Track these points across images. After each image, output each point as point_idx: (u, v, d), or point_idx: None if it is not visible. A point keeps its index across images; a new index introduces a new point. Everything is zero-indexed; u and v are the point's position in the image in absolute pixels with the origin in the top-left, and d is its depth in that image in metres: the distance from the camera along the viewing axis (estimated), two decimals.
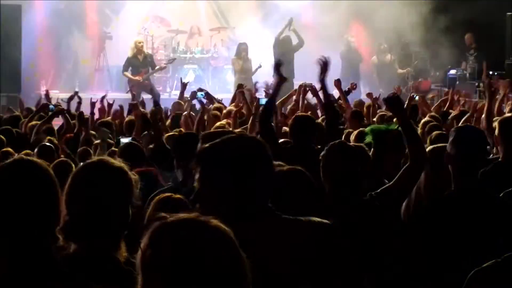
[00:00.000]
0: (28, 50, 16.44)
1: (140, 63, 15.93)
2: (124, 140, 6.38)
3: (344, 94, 9.77)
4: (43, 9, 17.63)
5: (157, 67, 16.28)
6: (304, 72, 17.84)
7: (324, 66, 6.33)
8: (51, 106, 9.52)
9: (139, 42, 16.28)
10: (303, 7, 18.77)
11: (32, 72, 17.04)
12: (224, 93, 15.65)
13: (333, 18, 17.89)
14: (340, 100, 9.58)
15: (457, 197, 3.87)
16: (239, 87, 11.40)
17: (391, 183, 4.32)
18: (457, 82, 15.89)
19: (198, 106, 9.93)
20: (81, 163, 2.91)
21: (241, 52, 15.92)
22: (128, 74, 15.80)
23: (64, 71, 18.34)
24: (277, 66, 6.23)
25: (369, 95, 10.94)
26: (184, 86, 11.66)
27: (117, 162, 2.82)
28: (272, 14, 18.78)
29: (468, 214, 3.79)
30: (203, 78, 17.32)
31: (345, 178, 4.16)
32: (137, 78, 15.58)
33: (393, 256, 4.01)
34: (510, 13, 15.82)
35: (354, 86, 10.84)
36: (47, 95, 10.23)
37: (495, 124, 5.43)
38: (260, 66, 15.38)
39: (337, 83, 9.65)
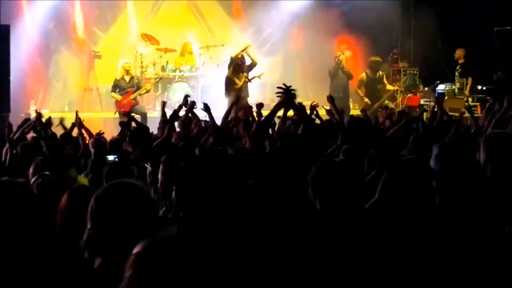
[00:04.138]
0: (17, 70, 16.42)
1: (127, 83, 16.05)
2: (110, 158, 6.40)
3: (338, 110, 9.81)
4: (32, 29, 17.64)
5: (142, 89, 16.31)
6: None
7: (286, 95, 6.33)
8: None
9: (126, 63, 16.39)
10: (292, 25, 18.89)
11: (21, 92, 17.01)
12: (214, 110, 15.61)
13: (322, 36, 18.00)
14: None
15: (441, 211, 3.88)
16: (236, 101, 11.40)
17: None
18: (446, 97, 15.93)
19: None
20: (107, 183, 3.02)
21: (239, 70, 15.82)
22: (116, 95, 15.94)
23: (53, 91, 18.35)
24: (289, 91, 6.21)
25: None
26: (192, 104, 10.17)
27: (139, 183, 2.96)
28: (261, 32, 18.86)
29: (450, 229, 3.79)
30: (193, 96, 17.30)
31: (336, 194, 4.17)
32: (118, 97, 15.75)
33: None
34: (498, 28, 15.90)
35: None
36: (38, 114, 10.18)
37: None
38: (259, 76, 15.40)
39: (330, 99, 9.69)
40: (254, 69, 15.89)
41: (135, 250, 2.07)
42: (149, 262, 2.01)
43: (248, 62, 16.03)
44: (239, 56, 15.84)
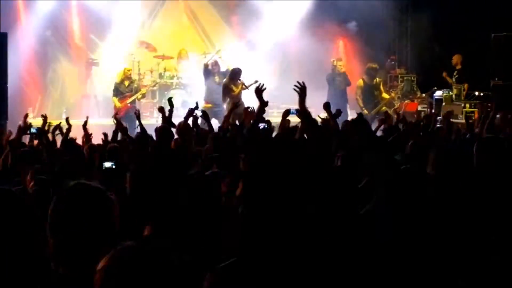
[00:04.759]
0: (15, 78, 16.41)
1: (126, 88, 16.07)
2: (107, 164, 6.39)
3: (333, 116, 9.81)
4: (29, 37, 17.64)
5: (138, 93, 16.33)
6: (292, 98, 17.97)
7: (302, 91, 6.34)
8: (33, 130, 9.48)
9: (128, 70, 16.40)
10: (289, 30, 18.89)
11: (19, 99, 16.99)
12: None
13: (319, 42, 18.02)
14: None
15: (437, 215, 3.87)
16: (234, 107, 11.41)
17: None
18: (443, 104, 15.95)
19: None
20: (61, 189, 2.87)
21: (236, 77, 15.71)
22: (116, 100, 15.98)
23: (51, 98, 18.35)
24: (259, 92, 6.21)
25: None
26: (190, 111, 10.20)
27: (94, 183, 2.81)
28: (258, 39, 18.86)
29: (447, 233, 3.78)
30: (190, 103, 17.29)
31: (332, 200, 4.15)
32: (118, 104, 15.77)
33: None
34: (495, 34, 15.91)
35: (340, 112, 10.92)
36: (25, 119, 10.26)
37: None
38: (256, 82, 15.38)
39: (326, 105, 9.69)
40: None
41: (101, 265, 2.03)
42: (116, 275, 1.99)
43: (223, 68, 16.15)
44: (213, 62, 15.98)
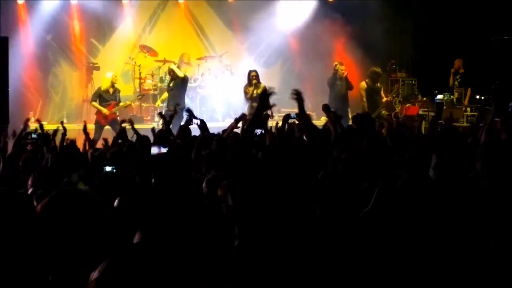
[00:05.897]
0: (16, 82, 16.42)
1: (110, 95, 16.04)
2: (108, 168, 6.40)
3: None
4: (30, 41, 17.67)
5: (122, 103, 16.31)
6: (293, 102, 17.89)
7: (299, 97, 6.33)
8: (33, 135, 9.47)
9: (115, 76, 16.38)
10: (289, 34, 18.91)
11: (19, 103, 17.00)
12: (213, 121, 15.67)
13: (320, 46, 18.03)
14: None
15: (438, 219, 3.87)
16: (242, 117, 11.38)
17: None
18: (444, 107, 15.93)
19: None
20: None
21: (252, 79, 15.69)
22: (97, 104, 15.92)
23: (51, 102, 18.37)
24: (265, 96, 6.16)
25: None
26: (189, 121, 10.40)
27: (81, 188, 2.77)
28: (259, 43, 18.88)
29: (448, 237, 3.78)
30: (191, 107, 17.27)
31: (336, 203, 4.17)
32: (105, 110, 15.77)
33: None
34: (495, 38, 15.92)
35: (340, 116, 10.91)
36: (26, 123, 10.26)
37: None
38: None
39: (325, 107, 9.69)
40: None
41: (95, 275, 1.99)
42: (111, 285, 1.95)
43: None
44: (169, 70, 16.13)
